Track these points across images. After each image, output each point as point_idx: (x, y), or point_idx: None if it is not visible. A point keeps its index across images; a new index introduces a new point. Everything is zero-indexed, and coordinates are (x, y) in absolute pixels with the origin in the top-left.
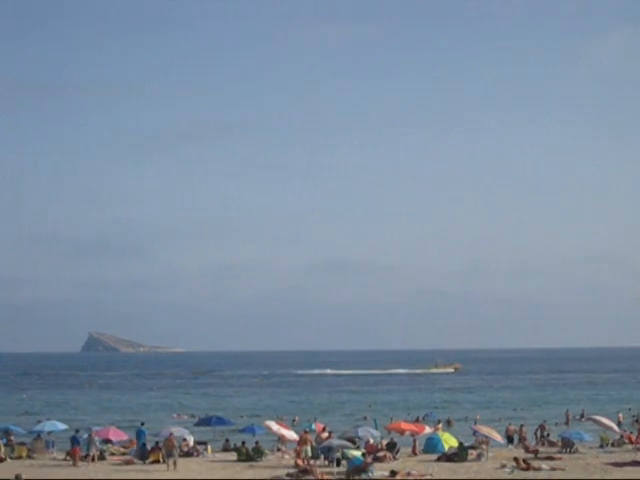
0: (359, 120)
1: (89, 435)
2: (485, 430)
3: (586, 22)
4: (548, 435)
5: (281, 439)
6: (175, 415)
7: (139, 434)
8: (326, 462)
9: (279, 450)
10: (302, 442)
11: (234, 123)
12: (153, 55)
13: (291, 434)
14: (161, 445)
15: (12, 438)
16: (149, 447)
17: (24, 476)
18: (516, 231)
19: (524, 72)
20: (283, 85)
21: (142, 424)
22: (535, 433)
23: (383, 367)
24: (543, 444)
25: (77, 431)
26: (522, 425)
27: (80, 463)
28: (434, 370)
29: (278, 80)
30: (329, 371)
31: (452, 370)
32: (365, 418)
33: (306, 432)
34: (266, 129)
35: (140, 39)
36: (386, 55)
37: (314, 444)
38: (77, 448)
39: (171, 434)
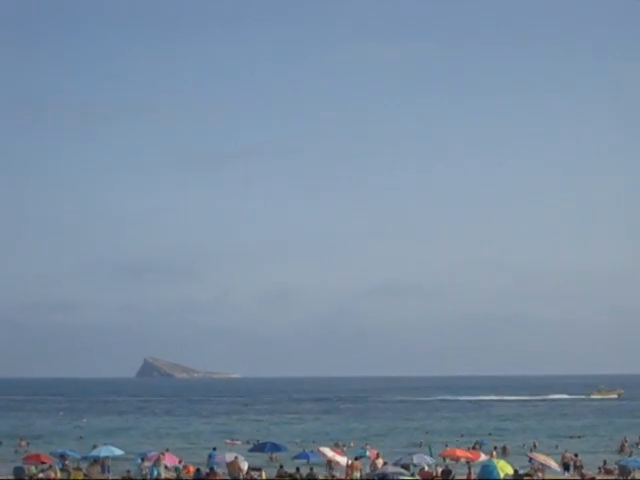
0: (408, 142)
1: (157, 459)
2: (541, 458)
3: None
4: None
5: (332, 465)
6: (228, 441)
7: (211, 458)
8: None
9: (333, 477)
10: (351, 468)
11: (282, 144)
12: (200, 76)
13: (346, 460)
14: (218, 470)
15: (68, 462)
16: (204, 472)
17: None
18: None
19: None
20: (329, 105)
21: (214, 449)
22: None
23: (541, 393)
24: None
25: (162, 454)
26: (576, 454)
27: None
28: (596, 396)
29: (325, 100)
30: (494, 397)
31: (615, 396)
32: (420, 444)
33: (356, 458)
34: (315, 150)
35: (184, 61)
36: (436, 73)
37: (363, 471)
38: None
39: (236, 457)
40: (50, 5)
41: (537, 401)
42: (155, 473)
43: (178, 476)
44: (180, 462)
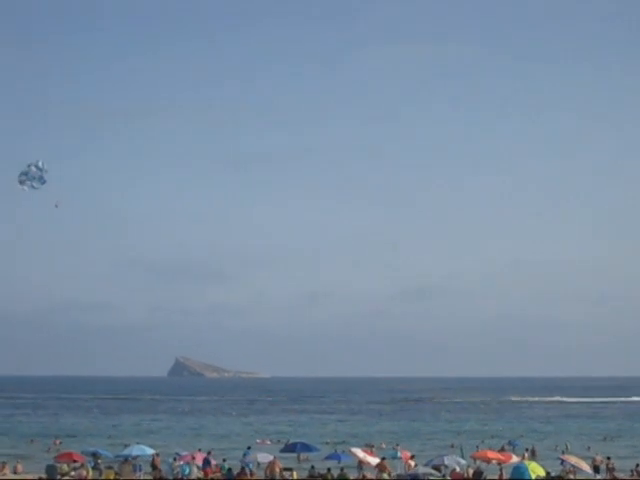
0: (442, 147)
1: (191, 458)
2: (573, 460)
3: None
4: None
5: (363, 465)
6: (259, 440)
7: (245, 456)
8: None
9: (364, 477)
10: (380, 469)
11: (315, 147)
12: (200, 76)
13: (377, 461)
14: (249, 470)
15: (100, 461)
16: (235, 472)
17: None
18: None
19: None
20: (367, 109)
21: (249, 448)
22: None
23: (620, 395)
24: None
25: (209, 453)
26: (609, 457)
27: None
28: None
29: (326, 101)
30: (564, 398)
31: None
32: (452, 446)
33: (383, 459)
34: (347, 154)
35: (211, 65)
36: (465, 77)
37: (394, 472)
38: (209, 469)
39: (275, 457)
40: (50, 5)
41: (619, 403)
42: (187, 471)
43: (224, 472)
44: (224, 460)
